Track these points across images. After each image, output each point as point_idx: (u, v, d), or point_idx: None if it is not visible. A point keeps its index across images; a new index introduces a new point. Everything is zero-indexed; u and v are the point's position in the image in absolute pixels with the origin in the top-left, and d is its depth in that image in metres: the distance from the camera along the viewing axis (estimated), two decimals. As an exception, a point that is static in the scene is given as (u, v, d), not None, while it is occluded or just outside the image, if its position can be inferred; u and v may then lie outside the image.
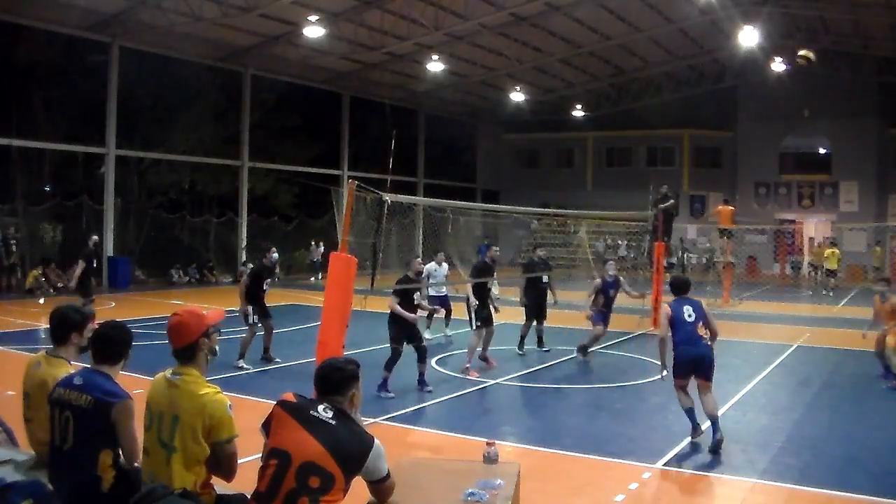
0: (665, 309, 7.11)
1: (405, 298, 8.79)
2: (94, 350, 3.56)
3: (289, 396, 3.22)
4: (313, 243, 25.56)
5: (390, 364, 8.53)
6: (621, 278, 11.76)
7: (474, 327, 10.00)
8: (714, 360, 6.75)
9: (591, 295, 11.32)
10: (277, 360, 10.28)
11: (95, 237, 14.07)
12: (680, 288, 7.22)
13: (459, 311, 11.77)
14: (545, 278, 11.53)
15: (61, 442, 3.36)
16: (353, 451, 3.09)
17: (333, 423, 3.10)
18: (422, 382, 8.81)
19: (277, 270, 11.15)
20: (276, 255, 10.95)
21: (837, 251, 23.46)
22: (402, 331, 8.71)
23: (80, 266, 12.82)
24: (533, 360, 10.78)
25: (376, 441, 3.20)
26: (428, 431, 7.29)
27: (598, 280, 11.42)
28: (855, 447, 6.73)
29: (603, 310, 11.22)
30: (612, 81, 31.37)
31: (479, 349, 10.20)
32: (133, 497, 2.97)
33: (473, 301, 9.98)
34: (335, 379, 3.28)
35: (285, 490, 2.97)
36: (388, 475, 3.23)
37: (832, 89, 28.60)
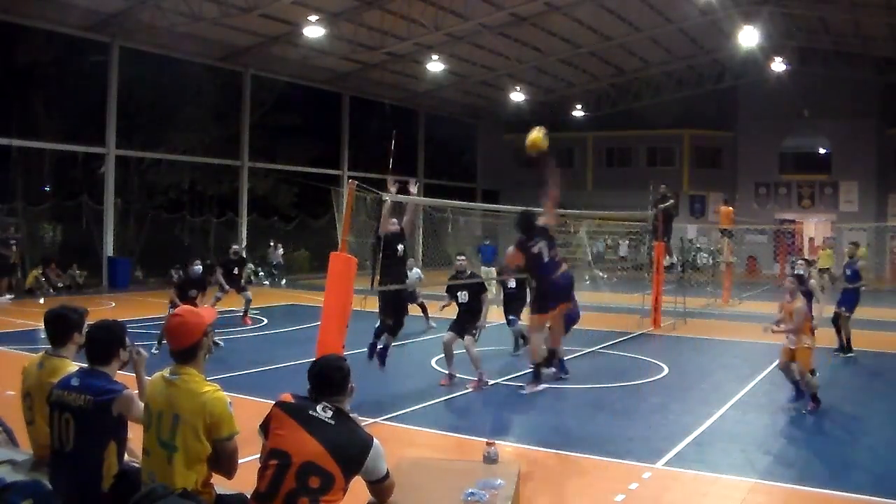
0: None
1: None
2: (87, 351, 3.57)
3: (287, 397, 3.23)
4: (272, 244, 23.96)
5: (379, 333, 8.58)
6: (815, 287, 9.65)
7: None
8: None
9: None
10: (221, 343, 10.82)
11: (236, 246, 14.71)
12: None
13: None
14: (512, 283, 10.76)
15: (62, 443, 3.36)
16: (352, 451, 3.10)
17: (333, 423, 3.11)
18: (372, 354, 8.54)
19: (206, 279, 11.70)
20: (199, 267, 11.24)
21: (861, 251, 23.40)
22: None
23: (218, 272, 13.59)
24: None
25: (375, 441, 3.21)
26: (428, 431, 7.28)
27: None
28: (855, 447, 6.73)
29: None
30: (612, 81, 31.37)
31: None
32: (133, 497, 2.97)
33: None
34: (337, 379, 3.29)
35: (285, 490, 2.98)
36: (387, 475, 3.24)
37: (832, 89, 28.59)
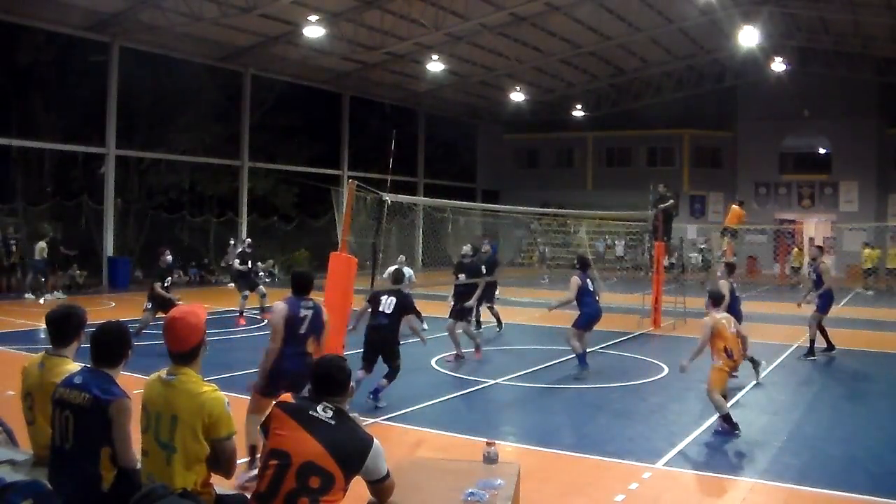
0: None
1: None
2: (92, 352, 3.57)
3: (287, 397, 3.24)
4: (232, 242, 21.70)
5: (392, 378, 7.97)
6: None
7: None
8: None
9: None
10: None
11: (249, 239, 15.34)
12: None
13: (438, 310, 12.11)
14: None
15: (62, 441, 3.36)
16: (352, 451, 3.10)
17: (333, 423, 3.12)
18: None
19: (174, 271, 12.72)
20: (169, 256, 12.47)
21: (874, 252, 23.45)
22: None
23: (235, 263, 14.64)
24: (533, 361, 10.78)
25: (376, 441, 3.22)
26: (428, 431, 7.28)
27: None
28: (855, 447, 6.73)
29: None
30: (612, 81, 31.37)
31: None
32: (133, 497, 2.97)
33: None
34: (340, 379, 3.30)
35: (285, 490, 2.98)
36: (387, 475, 3.25)
37: (832, 89, 28.62)
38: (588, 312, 9.81)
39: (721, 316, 7.35)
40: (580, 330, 9.80)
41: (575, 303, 9.92)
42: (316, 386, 3.29)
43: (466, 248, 11.70)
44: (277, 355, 5.57)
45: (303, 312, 5.67)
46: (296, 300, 5.76)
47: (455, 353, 10.46)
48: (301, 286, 5.84)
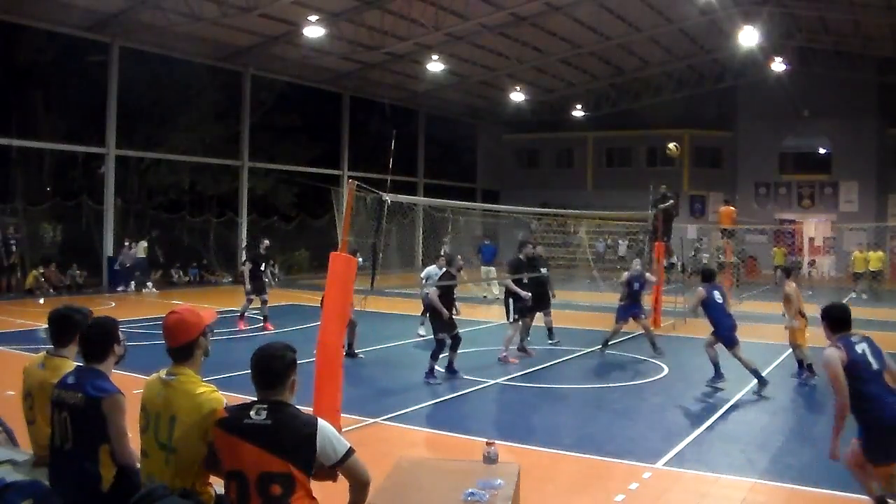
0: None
1: (445, 294, 9.60)
2: (81, 349, 3.58)
3: (221, 412, 3.14)
4: (126, 244, 20.97)
5: (436, 354, 9.35)
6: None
7: (511, 320, 10.68)
8: None
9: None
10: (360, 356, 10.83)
11: (267, 241, 14.45)
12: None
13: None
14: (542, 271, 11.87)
15: (62, 442, 3.37)
16: (297, 443, 2.95)
17: (269, 422, 2.97)
18: (451, 370, 9.55)
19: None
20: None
21: (870, 254, 23.33)
22: (444, 323, 9.43)
23: (246, 267, 13.79)
24: (533, 360, 10.79)
25: (320, 422, 3.01)
26: (428, 431, 7.27)
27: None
28: (855, 447, 6.71)
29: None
30: (612, 81, 31.38)
31: (517, 340, 11.04)
32: (133, 497, 2.97)
33: (526, 295, 10.69)
34: (277, 368, 3.11)
35: None
36: (348, 453, 2.99)
37: (832, 89, 28.61)
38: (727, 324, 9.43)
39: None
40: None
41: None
42: (253, 375, 3.15)
43: (534, 249, 11.78)
44: (873, 408, 4.81)
45: (860, 348, 4.87)
46: (845, 339, 4.93)
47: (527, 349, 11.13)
48: (840, 322, 5.05)
